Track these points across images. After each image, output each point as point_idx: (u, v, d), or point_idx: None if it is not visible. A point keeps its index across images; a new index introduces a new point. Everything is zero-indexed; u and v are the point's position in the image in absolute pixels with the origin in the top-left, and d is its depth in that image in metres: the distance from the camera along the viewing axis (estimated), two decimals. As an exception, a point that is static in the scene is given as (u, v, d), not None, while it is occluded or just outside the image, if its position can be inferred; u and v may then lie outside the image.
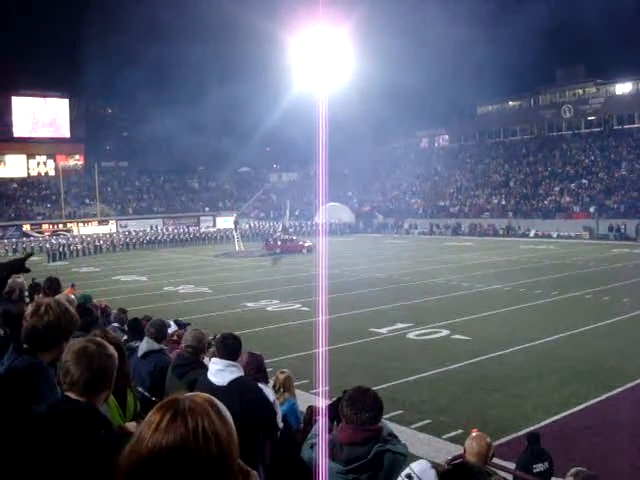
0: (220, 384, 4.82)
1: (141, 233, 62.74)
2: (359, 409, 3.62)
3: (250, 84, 79.25)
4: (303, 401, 7.91)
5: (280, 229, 55.51)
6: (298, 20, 44.96)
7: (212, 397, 1.53)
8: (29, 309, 3.23)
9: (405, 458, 3.79)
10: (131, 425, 3.53)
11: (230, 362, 5.02)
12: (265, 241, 50.56)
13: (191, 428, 1.40)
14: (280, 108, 61.85)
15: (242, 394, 4.68)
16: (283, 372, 7.08)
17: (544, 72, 79.16)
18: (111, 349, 2.67)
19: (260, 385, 5.31)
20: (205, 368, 5.33)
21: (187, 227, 68.70)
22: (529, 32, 75.23)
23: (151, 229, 66.40)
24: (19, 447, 2.38)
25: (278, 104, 62.59)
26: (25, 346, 3.17)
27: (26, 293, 6.85)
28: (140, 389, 5.84)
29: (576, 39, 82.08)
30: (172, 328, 8.71)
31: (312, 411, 5.87)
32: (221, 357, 5.09)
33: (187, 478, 1.38)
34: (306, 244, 47.35)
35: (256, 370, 5.70)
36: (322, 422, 3.81)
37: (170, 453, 1.37)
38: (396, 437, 3.92)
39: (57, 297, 3.95)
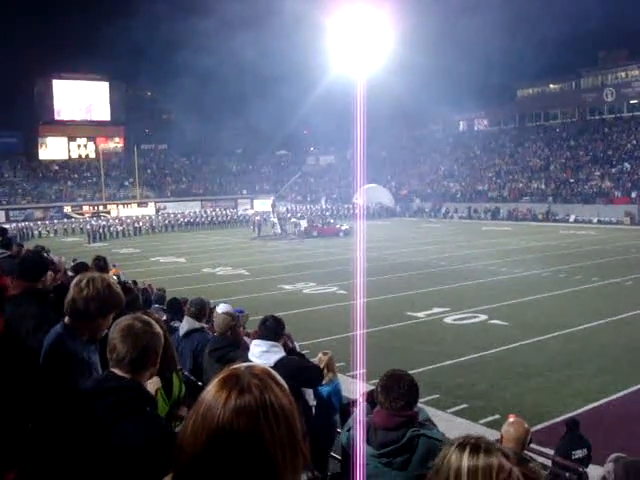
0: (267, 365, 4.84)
1: (179, 215, 63.37)
2: (393, 398, 3.60)
3: (288, 66, 79.13)
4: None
5: (312, 215, 54.85)
6: (336, 0, 44.66)
7: (267, 368, 1.51)
8: (74, 281, 3.27)
9: (441, 443, 3.77)
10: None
11: (273, 343, 5.05)
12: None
13: (260, 404, 1.38)
14: (318, 91, 61.69)
15: (291, 374, 4.73)
16: (326, 353, 6.97)
17: (586, 54, 77.27)
18: (157, 327, 2.69)
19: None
20: (242, 349, 5.35)
21: (225, 209, 69.13)
22: (571, 13, 73.69)
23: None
24: (63, 421, 2.42)
25: (316, 87, 62.42)
26: (66, 320, 3.22)
27: (70, 273, 6.94)
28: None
29: (619, 21, 79.82)
30: (222, 308, 8.54)
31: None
32: (262, 339, 5.11)
33: (261, 455, 1.36)
34: (343, 227, 47.27)
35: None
36: (361, 406, 3.80)
37: (244, 430, 1.35)
38: (433, 423, 3.90)
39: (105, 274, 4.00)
